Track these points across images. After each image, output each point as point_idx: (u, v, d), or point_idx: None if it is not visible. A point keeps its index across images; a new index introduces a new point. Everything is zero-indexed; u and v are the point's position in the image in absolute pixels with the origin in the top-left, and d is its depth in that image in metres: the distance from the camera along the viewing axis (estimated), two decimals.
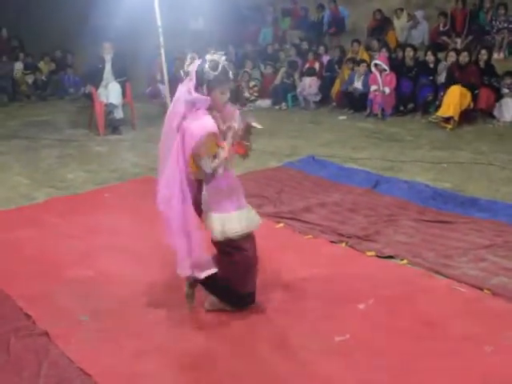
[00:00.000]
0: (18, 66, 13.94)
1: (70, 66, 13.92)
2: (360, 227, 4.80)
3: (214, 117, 3.25)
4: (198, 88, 3.22)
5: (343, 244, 4.53)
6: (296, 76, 11.25)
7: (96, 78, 9.37)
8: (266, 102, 11.44)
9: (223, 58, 3.26)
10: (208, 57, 3.23)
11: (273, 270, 4.10)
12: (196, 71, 3.21)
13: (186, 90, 3.23)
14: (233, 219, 3.34)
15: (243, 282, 3.46)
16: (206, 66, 3.19)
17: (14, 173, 7.18)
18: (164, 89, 11.95)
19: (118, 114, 9.34)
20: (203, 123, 3.17)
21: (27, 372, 3.05)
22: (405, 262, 4.17)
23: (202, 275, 3.38)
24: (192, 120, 3.20)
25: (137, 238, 4.83)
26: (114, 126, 9.28)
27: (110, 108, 9.31)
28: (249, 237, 3.43)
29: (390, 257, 4.26)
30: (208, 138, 3.15)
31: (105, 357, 3.21)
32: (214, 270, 3.36)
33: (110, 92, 9.23)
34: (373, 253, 4.32)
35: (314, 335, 3.30)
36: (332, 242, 4.58)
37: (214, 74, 3.19)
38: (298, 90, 10.97)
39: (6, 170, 7.30)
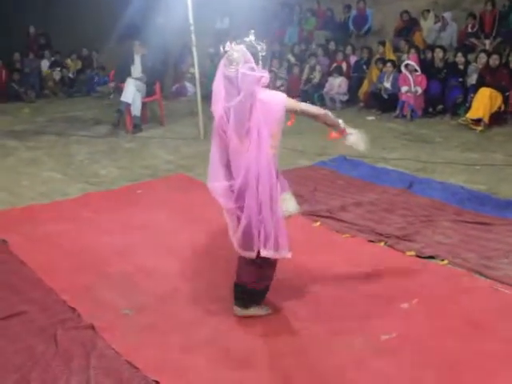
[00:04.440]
0: (45, 63, 14.08)
1: (99, 66, 13.97)
2: (397, 227, 4.78)
3: None
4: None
5: (382, 243, 4.51)
6: (317, 69, 11.17)
7: (124, 75, 9.41)
8: None
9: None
10: (251, 38, 3.34)
11: (313, 268, 4.12)
12: (252, 52, 3.27)
13: (247, 68, 3.22)
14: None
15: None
16: (259, 47, 3.31)
17: (46, 168, 7.23)
18: (191, 87, 12.06)
19: (133, 111, 9.22)
20: (274, 92, 3.38)
21: (76, 363, 3.08)
22: (445, 262, 4.14)
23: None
24: (263, 93, 3.26)
25: (171, 234, 4.88)
26: (133, 124, 9.24)
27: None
28: None
29: (431, 257, 4.24)
30: (288, 101, 3.29)
31: (151, 350, 3.23)
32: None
33: (124, 89, 9.25)
34: (413, 253, 4.30)
35: (359, 333, 3.30)
36: (370, 241, 4.57)
37: (263, 53, 3.34)
38: (325, 89, 10.91)
39: (38, 165, 7.36)
